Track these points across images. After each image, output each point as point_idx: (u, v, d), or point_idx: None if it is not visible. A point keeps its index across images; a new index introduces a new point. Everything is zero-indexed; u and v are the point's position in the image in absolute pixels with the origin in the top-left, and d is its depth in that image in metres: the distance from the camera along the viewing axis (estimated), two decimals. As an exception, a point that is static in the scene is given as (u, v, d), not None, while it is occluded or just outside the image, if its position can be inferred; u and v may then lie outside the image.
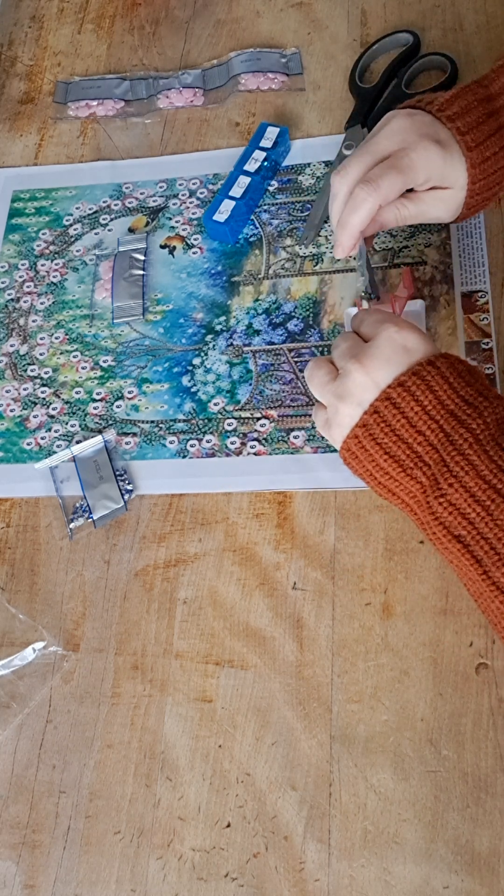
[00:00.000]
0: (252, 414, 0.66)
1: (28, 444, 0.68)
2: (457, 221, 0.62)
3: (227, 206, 0.72)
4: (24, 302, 0.75)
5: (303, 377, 0.66)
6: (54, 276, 0.75)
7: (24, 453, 0.68)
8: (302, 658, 0.58)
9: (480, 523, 0.48)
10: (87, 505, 0.64)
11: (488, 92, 0.60)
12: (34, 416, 0.70)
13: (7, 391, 0.71)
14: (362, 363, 0.52)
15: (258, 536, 0.62)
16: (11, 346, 0.73)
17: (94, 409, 0.69)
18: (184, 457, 0.65)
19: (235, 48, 0.83)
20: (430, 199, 0.59)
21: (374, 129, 0.59)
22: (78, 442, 0.67)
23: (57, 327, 0.73)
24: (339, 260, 0.70)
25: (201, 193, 0.76)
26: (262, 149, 0.74)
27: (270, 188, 0.75)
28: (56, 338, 0.73)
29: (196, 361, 0.69)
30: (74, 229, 0.77)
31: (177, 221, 0.76)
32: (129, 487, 0.65)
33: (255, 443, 0.65)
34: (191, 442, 0.66)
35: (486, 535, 0.48)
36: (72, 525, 0.64)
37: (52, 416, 0.69)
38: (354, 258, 0.68)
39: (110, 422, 0.68)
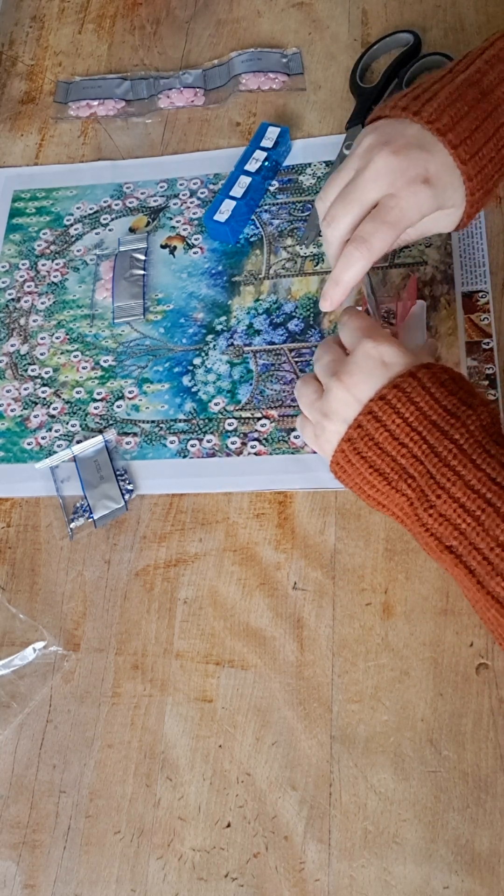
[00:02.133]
0: (252, 414, 0.66)
1: (28, 444, 0.69)
2: (459, 229, 0.59)
3: (227, 206, 0.72)
4: (25, 302, 0.75)
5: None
6: (55, 276, 0.75)
7: (24, 453, 0.68)
8: (302, 658, 0.58)
9: (471, 533, 0.47)
10: (88, 505, 0.64)
11: (480, 88, 0.55)
12: (35, 416, 0.70)
13: (7, 391, 0.71)
14: (342, 380, 0.52)
15: (258, 536, 0.62)
16: (12, 345, 0.73)
17: (95, 408, 0.69)
18: (184, 457, 0.65)
19: (236, 48, 0.83)
20: (430, 219, 0.57)
21: (358, 159, 0.54)
22: (78, 442, 0.67)
23: (57, 327, 0.73)
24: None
25: (202, 193, 0.76)
26: (263, 149, 0.74)
27: (271, 188, 0.75)
28: (57, 338, 0.73)
29: (197, 361, 0.69)
30: (75, 229, 0.77)
31: (177, 221, 0.76)
32: (130, 487, 0.65)
33: (256, 443, 0.65)
34: (191, 442, 0.66)
35: (477, 546, 0.47)
36: (72, 525, 0.64)
37: (52, 416, 0.69)
38: None
39: (111, 422, 0.68)
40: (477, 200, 0.56)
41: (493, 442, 0.48)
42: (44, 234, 0.78)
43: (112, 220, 0.77)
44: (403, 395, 0.50)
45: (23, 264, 0.77)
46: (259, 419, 0.65)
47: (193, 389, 0.68)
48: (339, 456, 0.53)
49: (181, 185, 0.77)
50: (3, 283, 0.76)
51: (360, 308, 0.67)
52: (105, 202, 0.78)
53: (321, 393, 0.54)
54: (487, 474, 0.47)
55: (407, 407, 0.50)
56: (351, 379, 0.52)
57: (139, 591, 0.62)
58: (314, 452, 0.63)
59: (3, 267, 0.77)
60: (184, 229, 0.75)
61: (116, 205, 0.78)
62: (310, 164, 0.75)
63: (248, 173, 0.73)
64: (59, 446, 0.68)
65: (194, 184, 0.77)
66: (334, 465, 0.54)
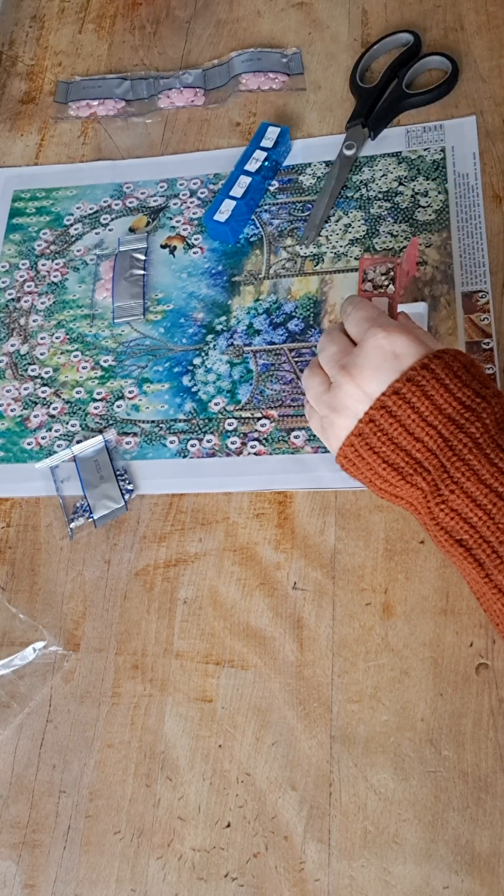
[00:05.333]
0: (252, 414, 0.66)
1: (28, 444, 0.69)
2: None
3: (227, 206, 0.72)
4: (25, 301, 0.75)
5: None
6: (55, 276, 0.75)
7: (24, 453, 0.68)
8: (302, 658, 0.58)
9: (483, 527, 0.47)
10: (88, 505, 0.64)
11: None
12: (35, 416, 0.70)
13: (7, 391, 0.71)
14: (352, 375, 0.50)
15: (258, 536, 0.62)
16: (12, 345, 0.73)
17: (95, 408, 0.69)
18: (184, 457, 0.65)
19: (236, 48, 0.83)
20: None
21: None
22: (78, 442, 0.67)
23: (57, 327, 0.73)
24: (339, 260, 0.70)
25: (202, 193, 0.76)
26: (263, 149, 0.74)
27: (271, 188, 0.75)
28: (56, 337, 0.73)
29: (196, 361, 0.69)
30: (75, 229, 0.77)
31: (177, 221, 0.76)
32: (130, 487, 0.65)
33: (256, 443, 0.65)
34: (191, 442, 0.66)
35: (488, 539, 0.47)
36: (72, 525, 0.64)
37: (52, 416, 0.69)
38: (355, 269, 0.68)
39: (111, 421, 0.68)
40: None
41: None
42: (44, 233, 0.78)
43: (112, 220, 0.77)
44: (418, 388, 0.49)
45: (23, 264, 0.77)
46: (259, 419, 0.65)
47: (193, 389, 0.68)
48: (348, 450, 0.52)
49: (181, 185, 0.77)
50: (3, 283, 0.76)
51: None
52: (105, 202, 0.78)
53: (328, 384, 0.53)
54: (500, 468, 0.47)
55: (422, 401, 0.48)
56: (361, 373, 0.50)
57: (139, 590, 0.62)
58: (314, 452, 0.63)
59: (3, 267, 0.77)
60: (184, 229, 0.75)
61: (116, 205, 0.78)
62: (310, 164, 0.75)
63: (248, 173, 0.73)
64: (59, 446, 0.68)
65: (194, 184, 0.77)
66: (341, 457, 0.53)
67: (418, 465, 0.49)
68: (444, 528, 0.49)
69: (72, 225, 0.78)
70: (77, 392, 0.70)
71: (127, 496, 0.64)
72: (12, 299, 0.75)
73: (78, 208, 0.78)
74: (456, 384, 0.49)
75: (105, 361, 0.71)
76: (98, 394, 0.69)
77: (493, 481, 0.47)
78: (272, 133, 0.75)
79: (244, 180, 0.73)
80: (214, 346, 0.69)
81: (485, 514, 0.47)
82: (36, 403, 0.70)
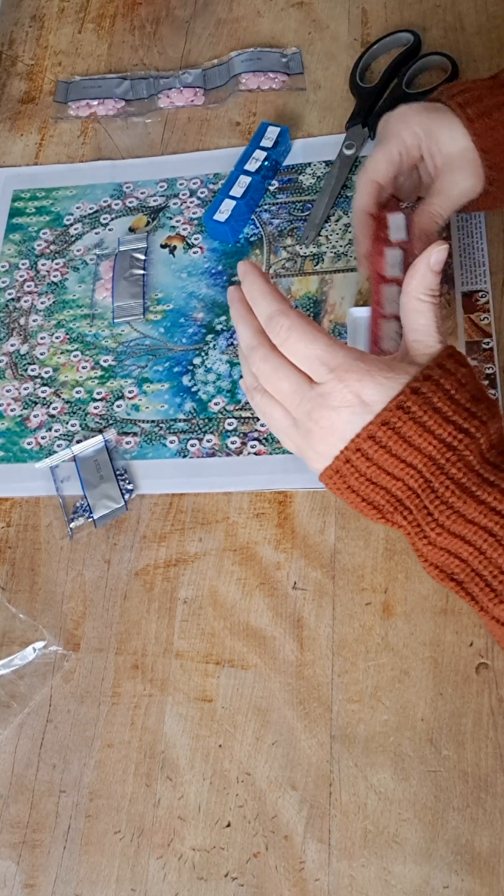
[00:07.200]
0: (252, 413, 0.66)
1: (28, 444, 0.68)
2: (497, 207, 0.61)
3: (227, 206, 0.72)
4: (25, 301, 0.75)
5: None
6: (55, 276, 0.75)
7: (24, 453, 0.68)
8: (302, 658, 0.58)
9: (474, 562, 0.45)
10: (88, 504, 0.64)
11: (496, 82, 0.58)
12: (34, 416, 0.70)
13: (7, 391, 0.71)
14: (321, 425, 0.46)
15: (258, 536, 0.62)
16: (12, 345, 0.73)
17: (95, 408, 0.69)
18: (184, 456, 0.65)
19: (236, 48, 0.83)
20: (445, 178, 0.58)
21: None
22: (78, 441, 0.67)
23: (57, 327, 0.73)
24: (339, 260, 0.70)
25: (202, 193, 0.76)
26: (263, 148, 0.74)
27: (271, 188, 0.75)
28: (56, 337, 0.73)
29: (196, 361, 0.69)
30: (75, 229, 0.77)
31: (177, 221, 0.76)
32: (130, 487, 0.65)
33: (256, 442, 0.65)
34: (191, 441, 0.66)
35: (481, 573, 0.45)
36: (72, 524, 0.64)
37: (52, 416, 0.69)
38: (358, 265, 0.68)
39: (111, 421, 0.68)
40: (497, 163, 0.57)
41: (493, 468, 0.45)
42: (44, 233, 0.78)
43: (112, 219, 0.77)
44: (394, 432, 0.45)
45: (23, 264, 0.77)
46: (259, 419, 0.65)
47: (193, 389, 0.68)
48: (328, 481, 0.48)
49: (181, 184, 0.77)
50: (3, 282, 0.76)
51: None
52: (105, 202, 0.78)
53: (291, 417, 0.48)
54: (488, 505, 0.44)
55: (398, 444, 0.45)
56: (331, 425, 0.46)
57: (139, 590, 0.62)
58: (314, 452, 0.63)
59: (2, 267, 0.77)
60: (184, 229, 0.75)
61: (116, 204, 0.78)
62: (310, 164, 0.75)
63: (247, 173, 0.73)
64: (59, 446, 0.68)
65: (194, 183, 0.77)
66: (324, 480, 0.49)
67: (399, 504, 0.47)
68: (434, 563, 0.47)
69: (72, 225, 0.78)
70: (77, 392, 0.70)
71: (127, 496, 0.64)
72: (12, 299, 0.75)
73: (78, 208, 0.78)
74: (436, 421, 0.45)
75: (105, 361, 0.71)
76: (98, 393, 0.69)
77: (483, 518, 0.44)
78: (272, 133, 0.75)
79: (244, 180, 0.73)
80: (214, 345, 0.69)
81: (475, 549, 0.45)
82: (36, 403, 0.70)
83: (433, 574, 0.48)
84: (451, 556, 0.46)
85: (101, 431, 0.68)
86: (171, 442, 0.66)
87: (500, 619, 0.46)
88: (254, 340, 0.49)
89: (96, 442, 0.67)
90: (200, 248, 0.74)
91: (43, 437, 0.69)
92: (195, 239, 0.74)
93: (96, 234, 0.77)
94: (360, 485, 0.47)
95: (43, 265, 0.76)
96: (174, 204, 0.77)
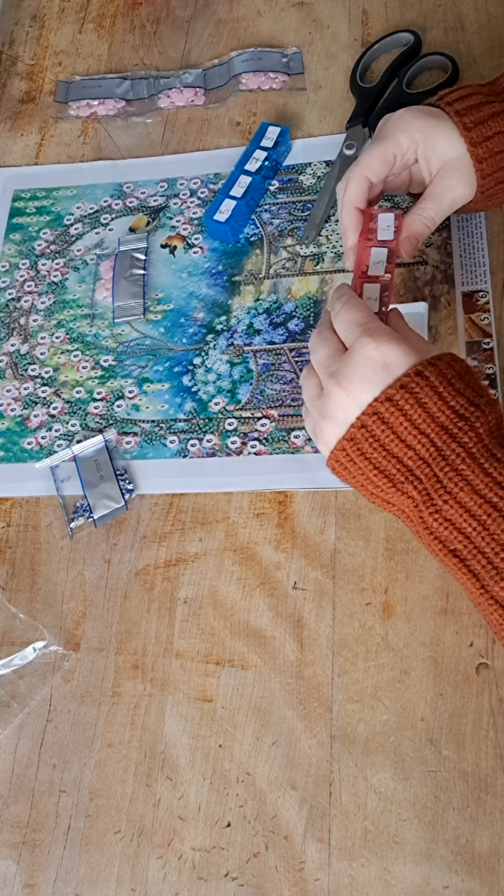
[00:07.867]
0: (252, 413, 0.66)
1: (29, 444, 0.69)
2: (493, 206, 0.63)
3: (227, 206, 0.72)
4: (25, 301, 0.75)
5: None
6: (55, 276, 0.75)
7: (24, 453, 0.68)
8: (302, 658, 0.58)
9: (477, 538, 0.47)
10: (88, 504, 0.64)
11: (493, 88, 0.60)
12: (35, 416, 0.70)
13: (7, 390, 0.71)
14: (342, 385, 0.50)
15: (259, 536, 0.62)
16: (12, 345, 0.73)
17: (95, 408, 0.69)
18: (184, 456, 0.65)
19: (236, 48, 0.83)
20: (440, 183, 0.59)
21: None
22: (78, 441, 0.67)
23: (57, 327, 0.73)
24: (340, 259, 0.70)
25: (202, 193, 0.76)
26: (263, 148, 0.74)
27: (271, 188, 0.75)
28: (57, 337, 0.73)
29: (197, 361, 0.69)
30: (75, 229, 0.77)
31: (177, 221, 0.76)
32: (130, 487, 0.65)
33: (256, 442, 0.65)
34: (191, 441, 0.66)
35: (482, 550, 0.47)
36: (72, 524, 0.64)
37: (52, 416, 0.69)
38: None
39: (111, 421, 0.68)
40: (488, 170, 0.59)
41: (499, 445, 0.48)
42: (44, 233, 0.78)
43: (112, 219, 0.77)
44: (411, 395, 0.48)
45: (23, 264, 0.77)
46: (259, 419, 0.65)
47: (193, 389, 0.68)
48: (340, 454, 0.51)
49: (181, 184, 0.77)
50: (3, 282, 0.76)
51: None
52: (105, 202, 0.78)
53: (321, 389, 0.53)
54: (494, 478, 0.46)
55: (415, 409, 0.48)
56: (351, 384, 0.49)
57: (139, 590, 0.62)
58: (314, 452, 0.63)
59: (3, 266, 0.77)
60: (184, 229, 0.75)
61: (116, 204, 0.78)
62: (310, 164, 0.75)
63: (248, 173, 0.73)
64: (59, 446, 0.68)
65: (194, 183, 0.77)
66: (333, 461, 0.52)
67: (410, 474, 0.49)
68: (438, 537, 0.48)
69: (72, 225, 0.78)
70: (77, 392, 0.70)
71: (127, 496, 0.64)
72: (12, 299, 0.75)
73: (78, 208, 0.78)
74: (450, 392, 0.48)
75: (105, 361, 0.71)
76: (98, 393, 0.69)
77: (488, 491, 0.46)
78: (272, 133, 0.75)
79: (244, 180, 0.73)
80: (214, 345, 0.69)
81: (479, 525, 0.47)
82: (36, 403, 0.70)
83: (435, 549, 0.49)
84: (455, 530, 0.47)
85: (101, 431, 0.68)
86: (172, 442, 0.66)
87: (500, 597, 0.47)
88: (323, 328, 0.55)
89: (96, 442, 0.67)
90: (201, 248, 0.74)
91: (43, 437, 0.69)
92: (195, 239, 0.74)
93: (96, 233, 0.77)
94: (374, 451, 0.49)
95: (43, 265, 0.76)
96: (174, 204, 0.77)
